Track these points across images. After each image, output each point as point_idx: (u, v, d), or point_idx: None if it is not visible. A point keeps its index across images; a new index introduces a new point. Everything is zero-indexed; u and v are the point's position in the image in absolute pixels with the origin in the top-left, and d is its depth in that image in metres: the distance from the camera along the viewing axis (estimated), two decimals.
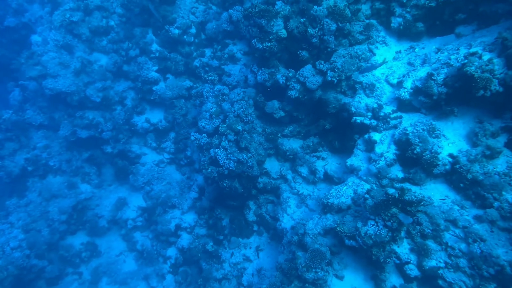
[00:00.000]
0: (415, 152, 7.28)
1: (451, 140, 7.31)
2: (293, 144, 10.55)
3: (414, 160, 7.43)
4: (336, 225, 7.74)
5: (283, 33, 9.41)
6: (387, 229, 6.86)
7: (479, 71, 6.54)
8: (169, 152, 13.86)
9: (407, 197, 6.74)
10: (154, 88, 12.77)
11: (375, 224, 6.98)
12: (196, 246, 11.56)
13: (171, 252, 12.83)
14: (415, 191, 7.27)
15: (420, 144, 7.27)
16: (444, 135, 7.37)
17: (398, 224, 6.78)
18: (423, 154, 7.22)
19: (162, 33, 12.04)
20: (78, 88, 12.49)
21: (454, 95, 7.30)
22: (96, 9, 12.08)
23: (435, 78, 7.43)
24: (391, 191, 7.57)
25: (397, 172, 7.78)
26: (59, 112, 13.70)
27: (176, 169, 14.10)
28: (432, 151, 7.14)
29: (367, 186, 8.04)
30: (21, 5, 14.75)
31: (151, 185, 13.70)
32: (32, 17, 14.57)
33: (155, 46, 12.50)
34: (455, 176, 7.05)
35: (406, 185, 7.56)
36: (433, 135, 7.34)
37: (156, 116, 13.67)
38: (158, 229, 12.83)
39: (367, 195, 7.36)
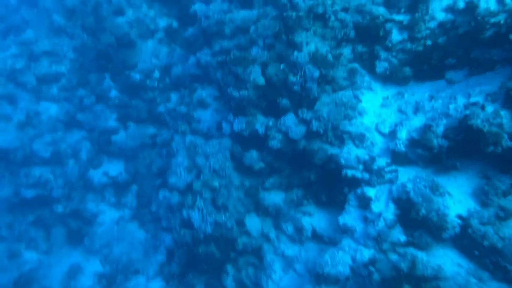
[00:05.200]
0: (420, 214, 6.49)
1: (456, 198, 6.61)
2: (275, 198, 9.49)
3: (419, 221, 6.63)
4: None
5: (261, 80, 8.58)
6: None
7: (486, 124, 5.96)
8: (130, 208, 12.32)
9: (419, 272, 5.85)
10: (113, 139, 11.37)
11: None
12: None
13: None
14: (422, 257, 6.42)
15: (425, 204, 6.50)
16: (448, 193, 6.66)
17: None
18: (429, 216, 6.44)
19: (122, 78, 10.84)
20: (23, 143, 10.85)
21: (456, 148, 6.69)
22: (44, 54, 10.70)
23: (434, 129, 6.81)
24: (393, 257, 6.75)
25: (398, 235, 6.91)
26: None
27: (139, 227, 12.47)
28: (439, 212, 6.37)
29: (366, 252, 7.11)
30: None
31: (110, 247, 11.99)
32: None
33: (114, 93, 11.24)
34: (466, 241, 6.28)
35: (411, 250, 6.71)
36: (437, 193, 6.60)
37: (115, 168, 12.18)
38: None
39: (372, 268, 6.42)
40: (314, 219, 8.90)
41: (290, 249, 9.01)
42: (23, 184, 11.09)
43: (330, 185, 8.89)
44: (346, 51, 8.73)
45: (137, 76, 10.84)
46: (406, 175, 7.28)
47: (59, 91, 11.18)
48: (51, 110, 11.25)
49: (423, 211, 6.46)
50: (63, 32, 11.11)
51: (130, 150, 11.69)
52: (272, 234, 9.39)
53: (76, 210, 11.86)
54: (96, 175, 11.89)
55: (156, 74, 11.26)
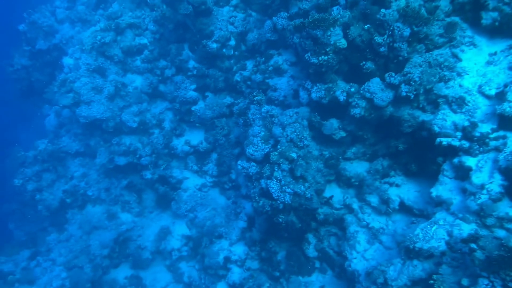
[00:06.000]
0: None
1: None
2: (357, 168, 9.06)
3: None
4: (429, 278, 6.27)
5: (343, 43, 7.97)
6: None
7: None
8: (211, 175, 12.77)
9: None
10: (193, 109, 11.71)
11: (490, 285, 5.43)
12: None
13: (221, 287, 11.70)
14: None
15: None
16: None
17: None
18: None
19: (199, 48, 10.90)
20: (113, 114, 11.69)
21: None
22: (127, 27, 11.17)
23: None
24: (501, 233, 6.04)
25: (507, 209, 6.15)
26: (95, 138, 13.01)
27: (220, 193, 12.98)
28: None
29: (465, 227, 6.46)
30: (51, 26, 14.21)
31: (194, 212, 12.68)
32: (63, 38, 13.99)
33: (192, 63, 11.40)
34: None
35: None
36: None
37: (196, 138, 12.63)
38: (206, 262, 11.73)
39: (473, 245, 5.79)
40: (402, 190, 8.32)
41: (376, 221, 8.60)
42: (115, 152, 12.02)
43: (421, 154, 8.18)
44: (444, 3, 7.63)
45: (213, 45, 10.81)
46: None
47: (142, 63, 11.70)
48: (136, 81, 11.87)
49: None
50: (144, 3, 11.44)
51: (209, 119, 11.93)
52: (355, 205, 9.04)
53: (163, 176, 12.62)
54: (179, 144, 12.45)
55: (232, 42, 11.13)
